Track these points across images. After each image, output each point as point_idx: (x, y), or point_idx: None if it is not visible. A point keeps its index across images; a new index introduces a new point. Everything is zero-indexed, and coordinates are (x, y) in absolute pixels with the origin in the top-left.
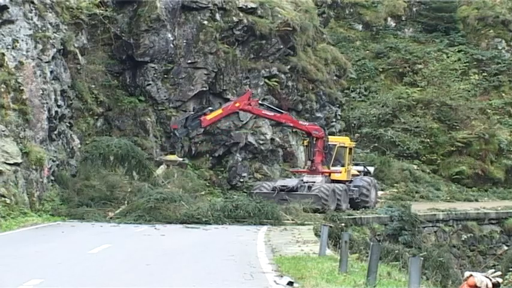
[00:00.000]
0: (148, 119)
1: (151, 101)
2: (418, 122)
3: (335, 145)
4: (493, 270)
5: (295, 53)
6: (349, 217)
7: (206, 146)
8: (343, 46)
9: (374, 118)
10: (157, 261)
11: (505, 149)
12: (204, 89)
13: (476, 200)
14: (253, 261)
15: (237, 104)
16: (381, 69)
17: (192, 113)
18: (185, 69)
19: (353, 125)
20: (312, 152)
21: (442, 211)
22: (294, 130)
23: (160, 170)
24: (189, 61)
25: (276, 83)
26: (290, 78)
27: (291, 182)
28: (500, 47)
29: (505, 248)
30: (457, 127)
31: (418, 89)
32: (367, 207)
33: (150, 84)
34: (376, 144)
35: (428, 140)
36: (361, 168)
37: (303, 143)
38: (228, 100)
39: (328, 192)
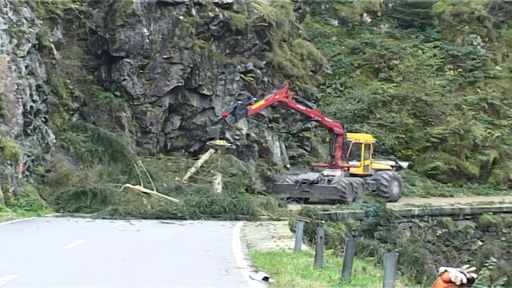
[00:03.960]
0: (124, 114)
1: (126, 96)
2: (393, 117)
3: (350, 141)
4: (467, 265)
5: (271, 48)
6: (325, 212)
7: (182, 141)
8: (319, 42)
9: (349, 114)
10: (132, 257)
11: (480, 145)
12: (180, 84)
13: (451, 196)
14: (228, 257)
15: (277, 96)
16: (356, 65)
17: (240, 102)
18: (161, 64)
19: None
20: (332, 148)
21: (417, 207)
22: (269, 126)
23: (207, 155)
24: (165, 56)
25: (251, 79)
26: (266, 73)
27: (312, 175)
28: (475, 43)
29: (480, 243)
30: (433, 123)
31: (394, 84)
32: (387, 200)
33: (125, 79)
34: None
35: (403, 136)
36: (392, 163)
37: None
38: (203, 96)
39: (346, 185)
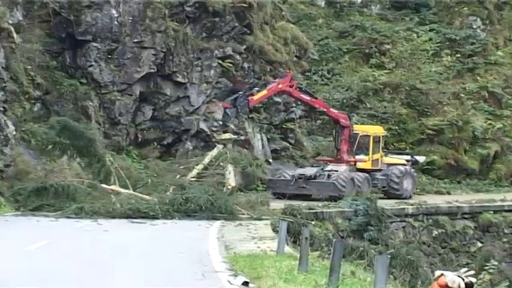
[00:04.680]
0: (91, 103)
1: (93, 84)
2: (385, 107)
3: (357, 134)
4: (465, 269)
5: (251, 31)
6: (310, 211)
7: (154, 133)
8: (304, 24)
9: (337, 103)
10: (99, 260)
11: (480, 137)
12: (152, 70)
13: (449, 193)
14: (205, 260)
15: (280, 86)
16: (345, 50)
17: (241, 92)
18: (131, 49)
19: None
20: (338, 141)
21: (411, 205)
22: (250, 116)
23: (215, 151)
24: (136, 40)
25: (230, 65)
26: (246, 59)
27: (310, 170)
28: (475, 26)
29: (479, 245)
30: (428, 113)
31: (386, 71)
32: (400, 197)
33: (92, 65)
34: None
35: (396, 127)
36: (407, 157)
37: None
38: (178, 83)
39: (347, 180)
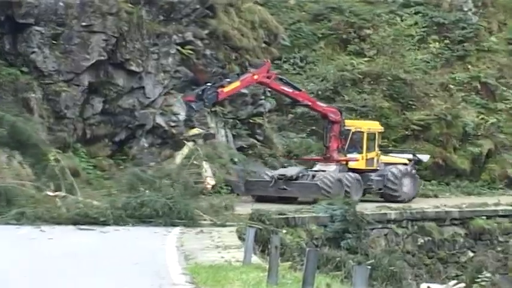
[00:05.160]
0: (33, 95)
1: (36, 73)
2: (365, 100)
3: (350, 130)
4: (455, 281)
5: (214, 14)
6: (281, 217)
7: (104, 129)
8: (274, 6)
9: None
10: (42, 272)
11: (471, 134)
12: (102, 58)
13: (436, 196)
14: (162, 271)
15: (255, 76)
16: (320, 35)
17: (210, 84)
18: (79, 33)
19: (286, 103)
20: (327, 138)
21: (394, 209)
22: (212, 110)
23: (186, 149)
24: (84, 24)
25: (191, 52)
26: (208, 45)
27: (291, 170)
28: (466, 9)
29: (470, 254)
30: (413, 106)
31: (366, 59)
32: (397, 200)
33: (34, 52)
34: (314, 128)
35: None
36: (409, 156)
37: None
38: (131, 73)
39: (332, 181)
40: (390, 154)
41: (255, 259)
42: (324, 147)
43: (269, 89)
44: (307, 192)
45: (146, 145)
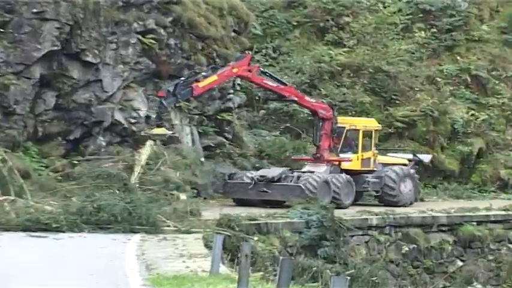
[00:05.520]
0: None
1: None
2: (344, 94)
3: (344, 127)
4: None
5: (179, 0)
6: (252, 222)
7: (58, 126)
8: None
9: None
10: None
11: (460, 131)
12: (55, 48)
13: (422, 200)
14: (121, 282)
15: (234, 70)
16: (294, 23)
17: (183, 78)
18: (29, 21)
19: (257, 98)
20: (317, 136)
21: (376, 214)
22: (177, 105)
23: (148, 148)
24: (35, 10)
25: (153, 41)
26: (172, 34)
27: (273, 171)
28: None
29: (459, 263)
30: (397, 101)
31: (345, 50)
32: (396, 204)
33: None
34: (288, 125)
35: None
36: (409, 156)
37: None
38: (87, 64)
39: (318, 183)
40: (388, 154)
41: (223, 269)
42: (315, 147)
43: (252, 84)
44: (290, 195)
45: (104, 144)
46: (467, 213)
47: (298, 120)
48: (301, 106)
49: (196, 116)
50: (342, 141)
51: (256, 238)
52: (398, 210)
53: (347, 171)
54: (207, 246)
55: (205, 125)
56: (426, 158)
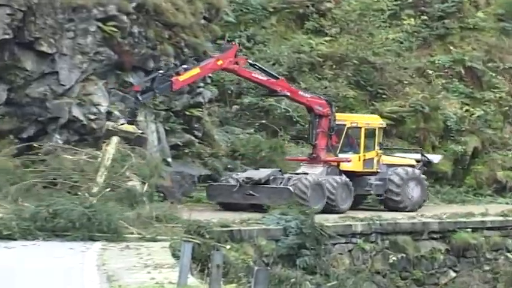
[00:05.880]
0: None
1: None
2: (326, 87)
3: (344, 125)
4: None
5: None
6: (224, 229)
7: (9, 123)
8: None
9: None
10: None
11: (454, 129)
12: (7, 36)
13: None
14: None
15: (219, 62)
16: (271, 10)
17: (161, 72)
18: None
19: (230, 92)
20: (313, 135)
21: (361, 220)
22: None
23: (113, 146)
24: None
25: (114, 29)
26: (136, 21)
27: (261, 172)
28: None
29: (453, 274)
30: (384, 96)
31: (327, 39)
32: (401, 208)
33: None
34: (264, 121)
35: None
36: (417, 156)
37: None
38: (42, 54)
39: (309, 186)
40: (395, 154)
41: (193, 280)
42: (311, 146)
43: (240, 77)
44: (278, 199)
45: (60, 142)
46: (461, 219)
47: (275, 117)
48: (295, 101)
49: (163, 112)
50: (342, 140)
51: (228, 246)
52: (385, 215)
53: (347, 173)
54: (175, 255)
55: (173, 121)
56: (436, 158)
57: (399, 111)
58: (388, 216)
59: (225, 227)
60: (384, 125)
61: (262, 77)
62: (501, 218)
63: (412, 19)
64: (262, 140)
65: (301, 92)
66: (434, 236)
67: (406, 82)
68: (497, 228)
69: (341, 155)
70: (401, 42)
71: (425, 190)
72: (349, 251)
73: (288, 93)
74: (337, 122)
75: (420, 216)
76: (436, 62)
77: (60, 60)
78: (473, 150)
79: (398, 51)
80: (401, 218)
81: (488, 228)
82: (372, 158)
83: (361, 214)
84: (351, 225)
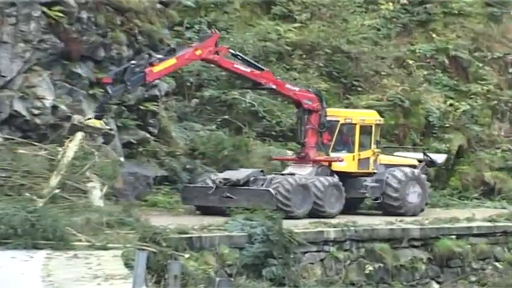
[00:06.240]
0: None
1: None
2: (295, 79)
3: (337, 121)
4: None
5: None
6: (182, 236)
7: None
8: None
9: (223, 74)
10: None
11: (437, 125)
12: None
13: None
14: None
15: (197, 52)
16: None
17: (134, 62)
18: None
19: (189, 84)
20: (302, 132)
21: (334, 226)
22: (90, 93)
23: (76, 142)
24: None
25: (61, 15)
26: (85, 6)
27: (240, 173)
28: None
29: (435, 286)
30: (359, 88)
31: (296, 25)
32: (400, 213)
33: None
34: (226, 116)
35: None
36: (419, 155)
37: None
38: None
39: (292, 188)
40: (395, 153)
41: None
42: (299, 144)
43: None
44: (258, 202)
45: (0, 139)
46: (445, 225)
47: (239, 111)
48: (282, 95)
49: (115, 106)
50: (335, 137)
51: (187, 255)
52: (361, 221)
53: (340, 174)
54: (128, 265)
55: (125, 117)
56: (439, 158)
57: (376, 106)
58: (364, 221)
59: (183, 233)
60: (381, 122)
61: (245, 69)
62: (489, 224)
63: (391, 3)
64: (224, 137)
65: (288, 85)
66: (415, 243)
67: (383, 73)
68: (485, 235)
69: (334, 154)
70: (379, 29)
71: (427, 194)
72: (321, 260)
73: (274, 86)
74: (329, 118)
75: (399, 221)
76: (417, 51)
77: (1, 49)
78: (458, 148)
79: (375, 39)
80: (379, 223)
81: (475, 235)
82: (368, 158)
83: (334, 220)
84: (322, 231)
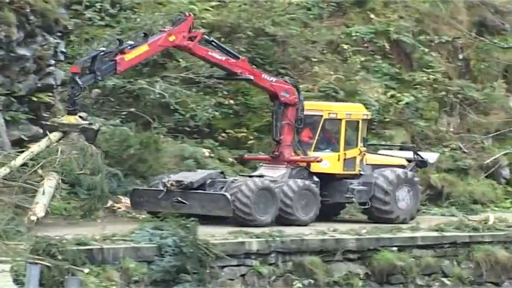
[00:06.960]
0: None
1: None
2: (212, 67)
3: (320, 116)
4: None
5: None
6: (81, 248)
7: None
8: None
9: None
10: None
11: (376, 119)
12: None
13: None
14: None
15: (171, 38)
16: None
17: (103, 49)
18: None
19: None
20: (277, 128)
21: (257, 237)
22: None
23: (43, 143)
24: None
25: None
26: None
27: (196, 175)
28: None
29: None
30: (286, 76)
31: (213, 4)
32: (390, 221)
33: None
34: (132, 109)
35: (231, 102)
36: (409, 154)
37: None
38: None
39: (251, 192)
40: (380, 152)
41: None
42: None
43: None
44: (213, 208)
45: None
46: (385, 235)
47: (148, 104)
48: (257, 86)
49: (2, 97)
50: (317, 135)
51: (86, 270)
52: (289, 231)
53: (322, 176)
54: (18, 281)
55: (15, 110)
56: (431, 157)
57: (306, 97)
58: (292, 231)
59: (82, 245)
60: (369, 116)
61: (220, 57)
62: (435, 234)
63: None
64: (130, 133)
65: (264, 75)
66: (351, 256)
67: (314, 60)
68: (431, 246)
69: (316, 154)
70: (309, 9)
71: (419, 197)
72: (242, 275)
73: (251, 77)
74: (310, 113)
75: (332, 231)
76: (353, 34)
77: None
78: (401, 145)
79: (304, 20)
80: (309, 233)
81: (419, 247)
82: (354, 157)
83: (256, 230)
84: (244, 242)
